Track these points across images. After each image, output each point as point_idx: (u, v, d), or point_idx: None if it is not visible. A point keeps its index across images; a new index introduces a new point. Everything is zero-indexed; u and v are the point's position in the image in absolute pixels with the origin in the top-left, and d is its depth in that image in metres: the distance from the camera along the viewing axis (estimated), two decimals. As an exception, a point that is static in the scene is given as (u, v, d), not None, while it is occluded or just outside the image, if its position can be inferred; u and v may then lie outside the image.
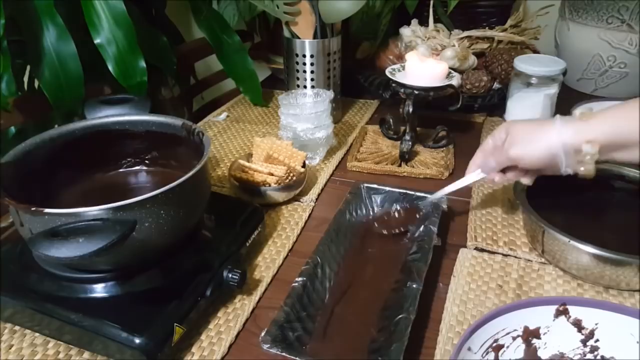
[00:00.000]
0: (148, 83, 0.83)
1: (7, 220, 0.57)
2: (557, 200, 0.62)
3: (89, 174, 0.59)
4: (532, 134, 0.52)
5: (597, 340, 0.43)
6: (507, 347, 0.43)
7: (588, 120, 0.48)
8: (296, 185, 0.68)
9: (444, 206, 0.61)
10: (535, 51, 1.00)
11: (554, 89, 0.80)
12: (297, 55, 0.86)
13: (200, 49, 1.12)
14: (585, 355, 0.43)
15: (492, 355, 0.42)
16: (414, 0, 1.07)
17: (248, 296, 0.53)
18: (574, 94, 1.04)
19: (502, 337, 0.43)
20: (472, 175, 0.60)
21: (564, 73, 0.80)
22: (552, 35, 1.10)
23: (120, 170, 0.61)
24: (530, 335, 0.43)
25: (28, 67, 0.88)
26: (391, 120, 0.84)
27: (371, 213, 0.65)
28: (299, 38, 0.85)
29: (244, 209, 0.59)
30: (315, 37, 0.84)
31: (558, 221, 0.54)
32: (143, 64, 0.82)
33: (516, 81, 0.82)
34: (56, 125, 0.64)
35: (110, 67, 0.80)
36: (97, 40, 0.79)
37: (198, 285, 0.48)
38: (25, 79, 0.94)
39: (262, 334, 0.44)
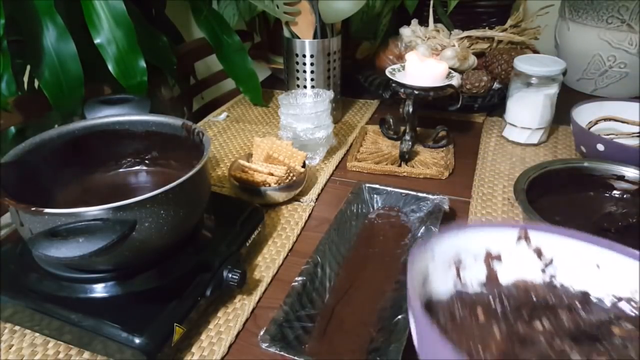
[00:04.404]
0: (148, 83, 0.83)
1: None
2: (557, 200, 0.62)
3: (89, 174, 0.59)
4: None
5: (556, 268, 0.43)
6: (468, 266, 0.43)
7: None
8: (296, 185, 0.68)
9: (446, 207, 0.61)
10: (535, 51, 1.00)
11: (554, 89, 0.80)
12: (297, 55, 0.86)
13: (200, 49, 1.12)
14: (544, 282, 0.43)
15: (453, 270, 0.42)
16: (414, 0, 1.07)
17: (248, 296, 0.53)
18: (574, 94, 1.04)
19: (465, 254, 0.43)
20: None
21: (564, 73, 0.80)
22: (552, 35, 1.10)
23: (120, 170, 0.61)
24: (491, 259, 0.43)
25: (28, 67, 0.88)
26: (391, 120, 0.84)
27: (372, 213, 0.65)
28: (299, 38, 0.85)
29: (244, 209, 0.59)
30: (315, 37, 0.84)
31: (558, 221, 0.54)
32: (143, 64, 0.82)
33: (516, 81, 0.82)
34: (56, 125, 0.64)
35: (110, 67, 0.80)
36: (97, 40, 0.79)
37: (198, 285, 0.48)
38: (25, 79, 0.94)
39: (261, 332, 0.44)
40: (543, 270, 0.43)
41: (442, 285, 0.42)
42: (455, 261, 0.42)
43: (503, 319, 0.39)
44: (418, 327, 0.33)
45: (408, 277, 0.36)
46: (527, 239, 0.43)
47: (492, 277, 0.43)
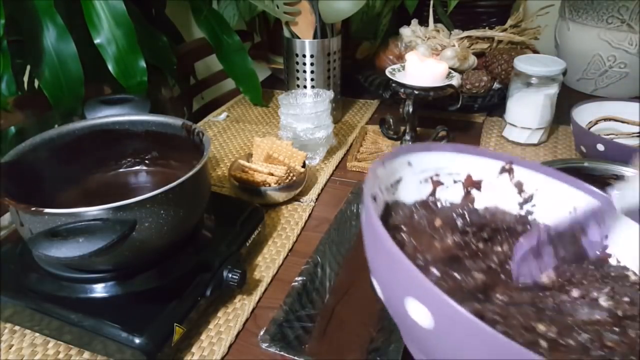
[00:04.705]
0: (148, 83, 0.83)
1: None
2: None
3: (89, 174, 0.59)
4: None
5: (534, 205, 0.43)
6: (447, 187, 0.43)
7: None
8: (296, 185, 0.68)
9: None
10: (535, 51, 1.00)
11: (554, 89, 0.80)
12: (297, 55, 0.86)
13: (200, 49, 1.12)
14: (518, 215, 0.43)
15: (429, 186, 0.43)
16: (414, 0, 1.07)
17: (248, 296, 0.53)
18: (574, 94, 1.04)
19: (445, 175, 0.43)
20: None
21: (564, 73, 0.80)
22: (552, 35, 1.10)
23: (120, 170, 0.61)
24: (471, 185, 0.44)
25: (28, 67, 0.88)
26: (391, 120, 0.84)
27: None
28: (299, 38, 0.85)
29: (244, 209, 0.59)
30: (315, 37, 0.84)
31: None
32: (143, 64, 0.82)
33: (516, 81, 0.82)
34: (56, 125, 0.64)
35: (110, 67, 0.80)
36: (97, 40, 0.79)
37: (198, 285, 0.48)
38: (25, 79, 0.94)
39: (261, 332, 0.44)
40: (520, 205, 0.43)
41: (413, 194, 0.42)
42: (433, 179, 0.43)
43: (461, 233, 0.39)
44: (366, 219, 0.33)
45: (369, 174, 0.37)
46: (510, 171, 0.43)
47: (467, 201, 0.44)
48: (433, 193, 0.43)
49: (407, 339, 0.38)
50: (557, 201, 0.42)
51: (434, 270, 0.34)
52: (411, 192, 0.42)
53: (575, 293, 0.35)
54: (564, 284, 0.35)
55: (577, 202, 0.41)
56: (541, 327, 0.31)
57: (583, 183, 0.42)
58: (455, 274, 0.35)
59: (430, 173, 0.43)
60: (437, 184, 0.43)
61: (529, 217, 0.43)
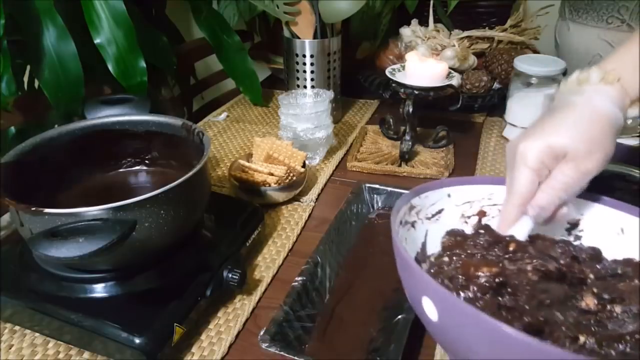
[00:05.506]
0: (148, 83, 0.83)
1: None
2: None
3: (89, 174, 0.59)
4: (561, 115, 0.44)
5: (581, 230, 0.44)
6: (492, 217, 0.45)
7: (613, 84, 0.43)
8: (296, 185, 0.68)
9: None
10: (535, 51, 1.00)
11: (554, 89, 0.80)
12: (297, 55, 0.86)
13: (200, 49, 1.12)
14: (563, 241, 0.44)
15: (476, 218, 0.45)
16: (414, 0, 1.07)
17: (248, 296, 0.53)
18: (574, 94, 1.04)
19: (488, 205, 0.45)
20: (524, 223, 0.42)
21: (564, 73, 0.80)
22: (552, 35, 1.10)
23: (120, 170, 0.61)
24: None
25: (28, 67, 0.88)
26: (391, 120, 0.84)
27: (372, 213, 0.65)
28: (299, 38, 0.85)
29: (244, 209, 0.59)
30: (315, 37, 0.84)
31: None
32: (143, 64, 0.82)
33: (516, 81, 0.82)
34: (56, 125, 0.64)
35: (110, 67, 0.80)
36: (97, 40, 0.79)
37: (198, 285, 0.48)
38: (25, 79, 0.94)
39: (261, 332, 0.44)
40: (569, 231, 0.45)
41: (456, 223, 0.45)
42: (478, 212, 0.45)
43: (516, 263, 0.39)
44: (393, 241, 0.37)
45: (400, 201, 0.40)
46: None
47: None
48: (479, 222, 0.45)
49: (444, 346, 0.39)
50: (603, 224, 0.43)
51: (473, 288, 0.35)
52: (454, 221, 0.45)
53: (617, 309, 0.35)
54: (606, 305, 0.35)
55: (623, 222, 0.42)
56: (581, 339, 0.32)
57: (624, 204, 0.42)
58: (497, 297, 0.35)
59: (476, 206, 0.45)
60: (481, 214, 0.45)
61: (577, 243, 0.44)
